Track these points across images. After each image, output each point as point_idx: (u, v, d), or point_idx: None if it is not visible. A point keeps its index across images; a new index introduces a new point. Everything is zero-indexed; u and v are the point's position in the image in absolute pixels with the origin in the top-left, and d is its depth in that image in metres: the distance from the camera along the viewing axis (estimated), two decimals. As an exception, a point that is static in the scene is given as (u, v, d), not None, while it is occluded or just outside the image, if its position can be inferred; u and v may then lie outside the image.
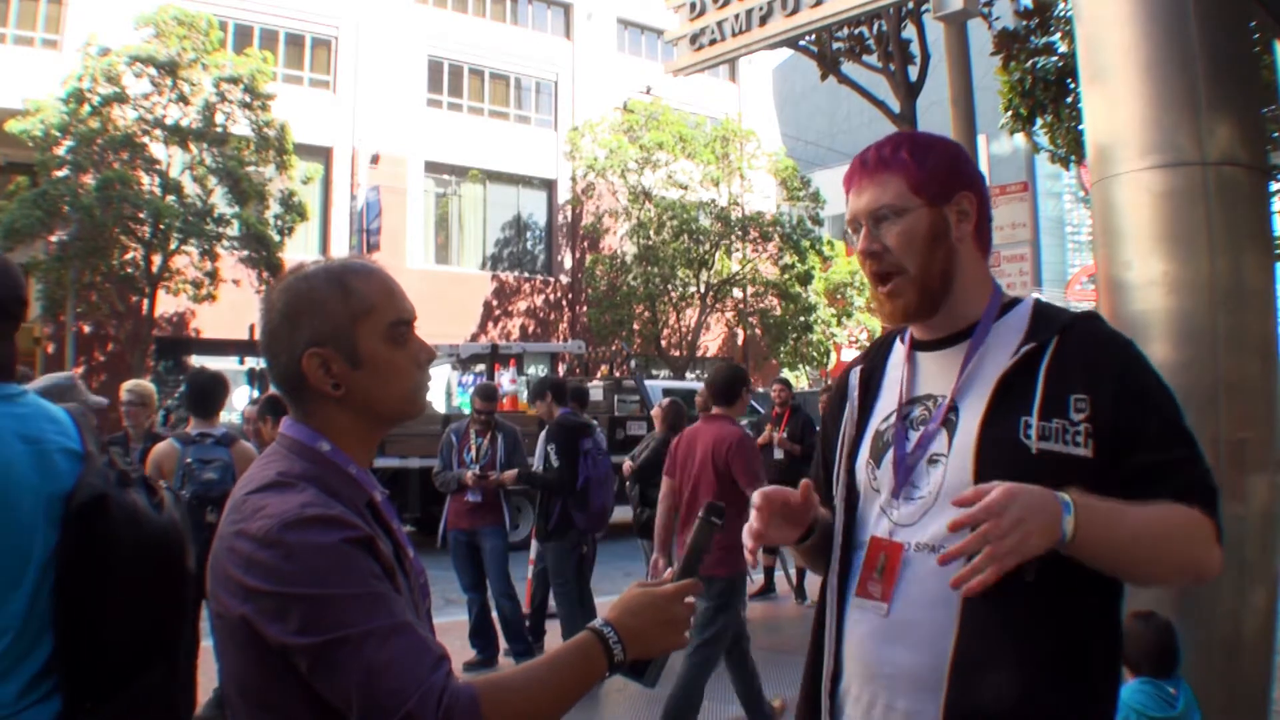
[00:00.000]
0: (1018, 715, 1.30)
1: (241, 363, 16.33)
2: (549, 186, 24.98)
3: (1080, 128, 6.31)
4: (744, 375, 5.02)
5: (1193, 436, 1.38)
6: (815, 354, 23.39)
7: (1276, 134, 7.24)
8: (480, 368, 14.21)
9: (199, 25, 16.47)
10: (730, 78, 27.79)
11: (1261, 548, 2.85)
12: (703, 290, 22.40)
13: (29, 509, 1.51)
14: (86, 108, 15.69)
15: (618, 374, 15.39)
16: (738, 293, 23.50)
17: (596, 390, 12.78)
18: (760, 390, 19.93)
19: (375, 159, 21.78)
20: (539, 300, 24.52)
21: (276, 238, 17.26)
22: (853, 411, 1.60)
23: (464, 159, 23.11)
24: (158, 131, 16.29)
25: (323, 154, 21.28)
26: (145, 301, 17.15)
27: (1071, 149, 8.04)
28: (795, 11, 6.58)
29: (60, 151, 15.59)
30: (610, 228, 23.37)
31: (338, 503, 1.19)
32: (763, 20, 6.81)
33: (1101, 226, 3.09)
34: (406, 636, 1.12)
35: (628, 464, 7.06)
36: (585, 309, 23.38)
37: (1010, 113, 7.90)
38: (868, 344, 1.73)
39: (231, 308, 16.99)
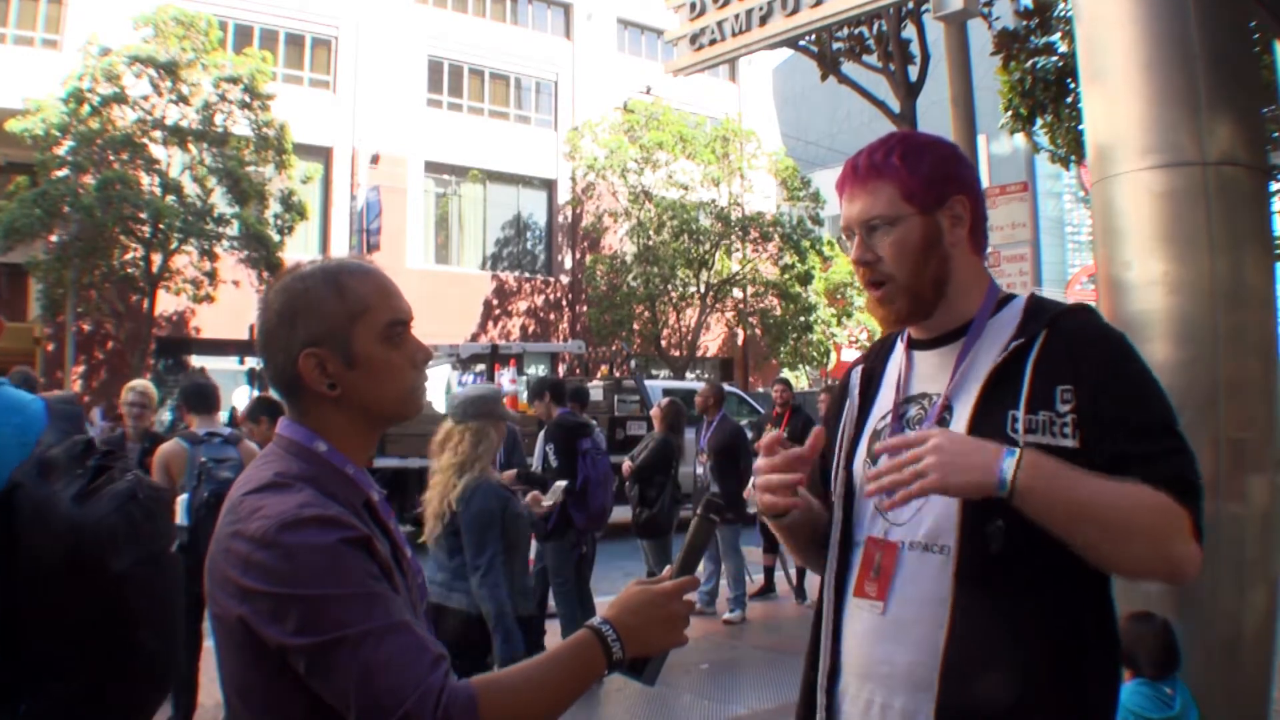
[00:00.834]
0: (1010, 713, 1.30)
1: (241, 363, 16.32)
2: (549, 186, 24.97)
3: (1080, 128, 6.31)
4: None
5: (1177, 432, 1.35)
6: (815, 354, 23.39)
7: (1276, 134, 7.24)
8: (480, 368, 14.21)
9: (199, 25, 16.47)
10: (730, 78, 27.78)
11: (1261, 548, 2.85)
12: (703, 290, 22.40)
13: None
14: (86, 108, 15.69)
15: (618, 374, 15.39)
16: (738, 293, 23.50)
17: (596, 390, 12.78)
18: (760, 390, 20.00)
19: (375, 159, 21.78)
20: (539, 300, 24.52)
21: (276, 238, 17.26)
22: (852, 410, 1.60)
23: (464, 159, 23.11)
24: (157, 132, 16.29)
25: (323, 154, 21.29)
26: (145, 301, 17.16)
27: (1071, 149, 8.04)
28: (795, 11, 6.59)
29: (60, 151, 15.59)
30: (610, 228, 23.37)
31: (335, 503, 1.19)
32: (763, 20, 6.81)
33: (1101, 226, 3.09)
34: (404, 636, 1.12)
35: (627, 464, 7.06)
36: (585, 309, 23.38)
37: (1010, 113, 7.90)
38: (868, 344, 1.74)
39: (231, 308, 16.99)
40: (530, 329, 24.07)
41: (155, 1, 16.57)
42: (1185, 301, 2.83)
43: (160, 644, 1.62)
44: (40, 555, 1.47)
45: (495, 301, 23.72)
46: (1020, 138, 9.13)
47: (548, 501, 5.10)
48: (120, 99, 15.99)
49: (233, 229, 17.05)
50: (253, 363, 15.73)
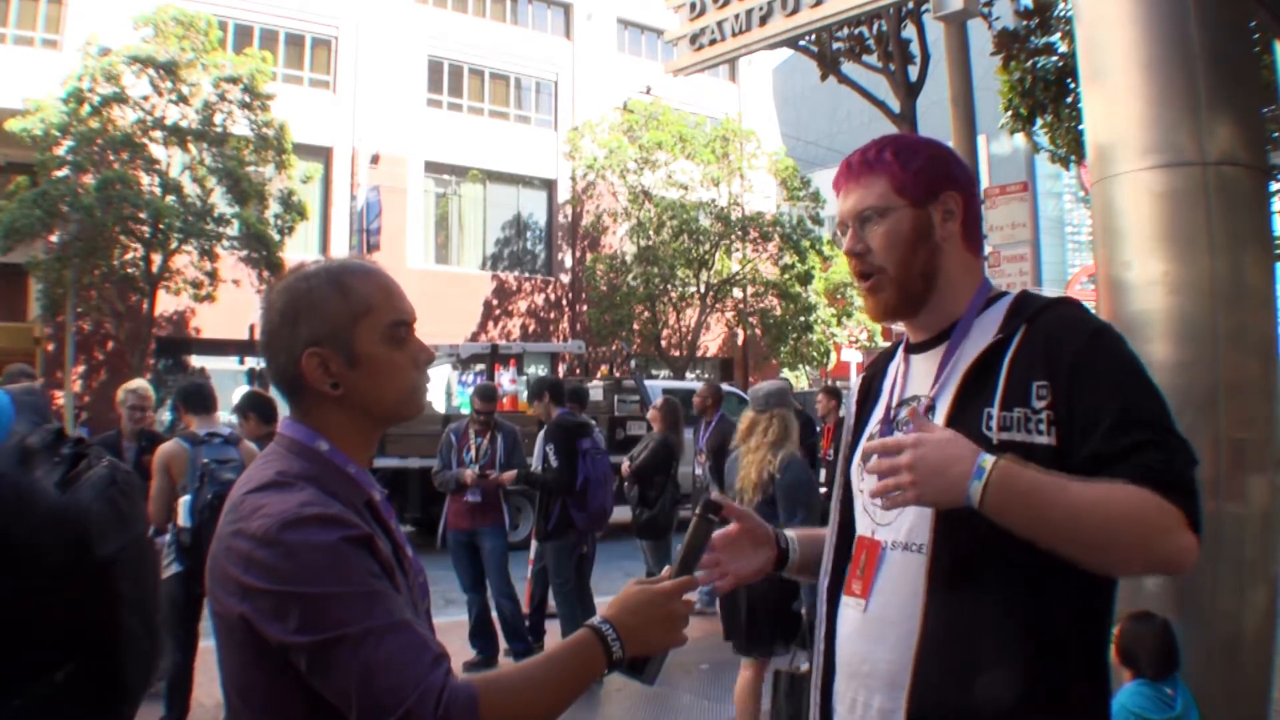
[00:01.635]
0: (982, 712, 1.29)
1: (241, 363, 16.31)
2: (549, 186, 24.97)
3: (1080, 128, 6.31)
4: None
5: (1161, 423, 1.31)
6: (815, 354, 23.38)
7: (1276, 134, 7.24)
8: (480, 368, 14.20)
9: (198, 25, 16.46)
10: (730, 78, 27.77)
11: (1261, 548, 2.85)
12: (703, 290, 22.40)
13: None
14: (86, 108, 15.67)
15: (618, 374, 15.39)
16: (738, 293, 23.49)
17: (596, 390, 12.77)
18: (760, 390, 19.95)
19: (375, 159, 21.77)
20: (539, 300, 24.52)
21: (276, 237, 17.25)
22: (850, 417, 1.66)
23: (464, 159, 23.10)
24: (157, 132, 16.27)
25: (323, 154, 21.28)
26: (145, 301, 17.15)
27: (1071, 149, 8.04)
28: (795, 11, 6.59)
29: (60, 151, 15.58)
30: (610, 227, 23.37)
31: (336, 502, 1.19)
32: (763, 20, 6.81)
33: (1101, 226, 3.09)
34: (405, 635, 1.12)
35: (626, 464, 7.06)
36: (585, 309, 23.37)
37: (1010, 113, 7.91)
38: (868, 344, 1.75)
39: (231, 308, 16.98)
40: (530, 329, 24.06)
41: (155, 1, 16.55)
42: (1185, 301, 2.83)
43: (145, 629, 1.56)
44: (27, 544, 1.42)
45: (495, 301, 23.72)
46: (1020, 138, 9.13)
47: None
48: (120, 99, 15.97)
49: (233, 229, 17.04)
50: (253, 363, 15.73)
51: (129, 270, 16.64)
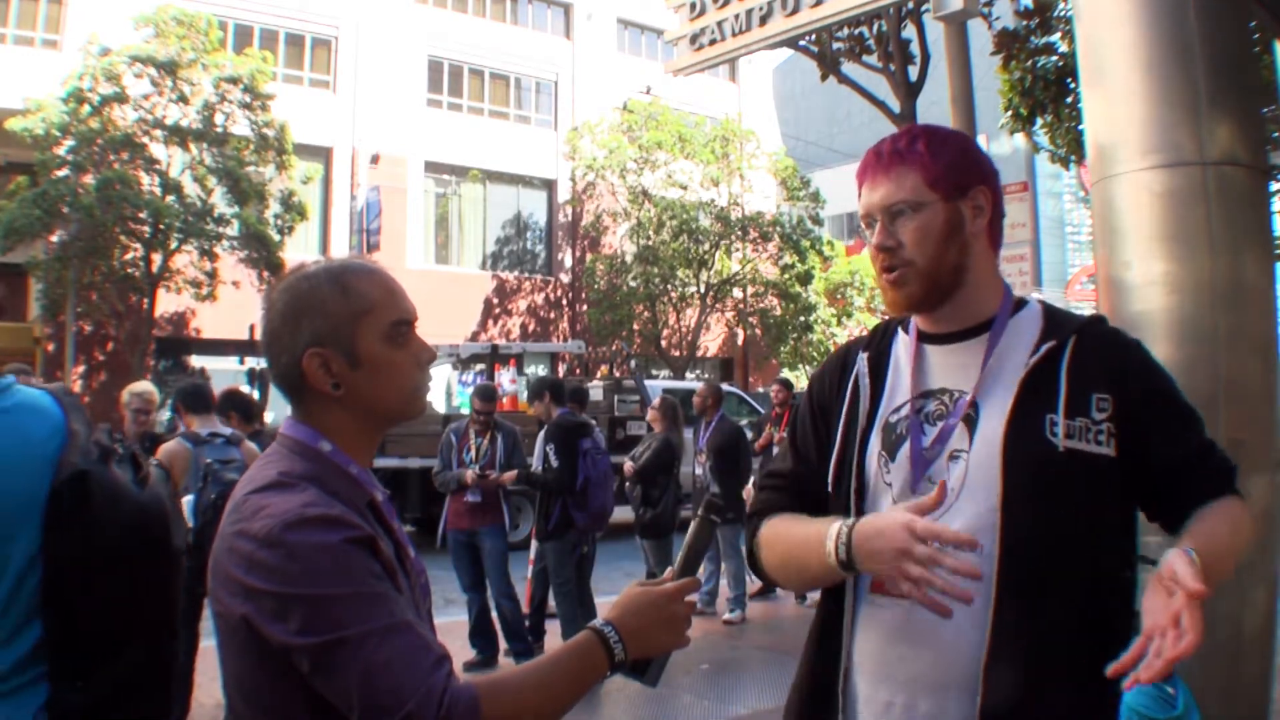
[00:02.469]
0: (1052, 714, 1.30)
1: (241, 363, 16.32)
2: (549, 186, 24.97)
3: (1080, 128, 6.31)
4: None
5: (1200, 416, 1.46)
6: (815, 354, 23.37)
7: (1276, 134, 7.24)
8: (480, 368, 14.21)
9: (199, 25, 16.47)
10: (730, 78, 27.77)
11: (1261, 548, 2.85)
12: (702, 290, 22.39)
13: (17, 497, 1.52)
14: (86, 108, 15.68)
15: (618, 374, 15.39)
16: (738, 293, 23.50)
17: (596, 390, 12.78)
18: (760, 390, 19.99)
19: (375, 159, 21.78)
20: (539, 300, 24.52)
21: (276, 238, 17.26)
22: (865, 400, 1.54)
23: (464, 159, 23.11)
24: (158, 131, 16.28)
25: (323, 154, 21.28)
26: (145, 301, 17.15)
27: (1071, 149, 8.04)
28: (795, 11, 6.58)
29: (60, 151, 15.58)
30: (610, 227, 23.37)
31: (338, 503, 1.19)
32: (763, 20, 6.81)
33: (1101, 226, 3.09)
34: (407, 636, 1.12)
35: (628, 464, 7.06)
36: (585, 309, 23.37)
37: (1010, 113, 7.90)
38: (865, 334, 1.70)
39: (231, 308, 16.99)
40: (530, 329, 24.07)
41: (155, 1, 16.56)
42: (1185, 301, 2.83)
43: (180, 626, 1.79)
44: (114, 536, 1.57)
45: (495, 301, 23.72)
46: (1020, 138, 9.12)
47: None
48: (120, 99, 15.98)
49: (233, 229, 17.04)
50: (253, 362, 15.73)
51: (129, 270, 16.65)
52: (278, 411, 14.33)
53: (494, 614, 6.06)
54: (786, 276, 22.71)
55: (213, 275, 16.90)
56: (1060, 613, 1.32)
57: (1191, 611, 1.17)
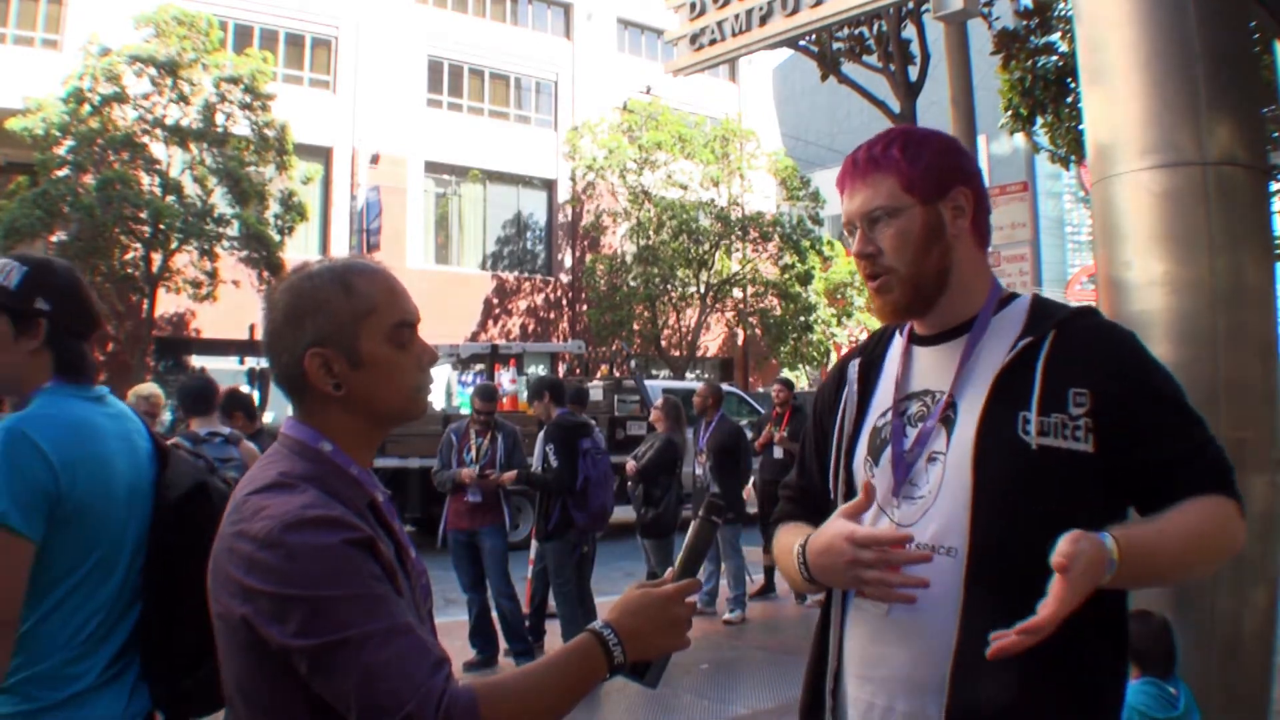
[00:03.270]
0: (1020, 714, 1.29)
1: (241, 363, 16.32)
2: (549, 186, 24.97)
3: (1080, 128, 6.31)
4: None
5: (1199, 415, 1.39)
6: (815, 354, 23.38)
7: (1276, 134, 7.24)
8: (480, 368, 14.20)
9: (199, 25, 16.46)
10: (730, 78, 27.77)
11: (1261, 548, 2.85)
12: (702, 290, 22.39)
13: (125, 501, 1.71)
14: (87, 107, 15.67)
15: (618, 374, 15.39)
16: (738, 293, 23.49)
17: (596, 390, 12.78)
18: (760, 390, 19.99)
19: (375, 159, 21.78)
20: (539, 300, 24.52)
21: (276, 238, 17.25)
22: (852, 406, 1.57)
23: (464, 159, 23.11)
24: (158, 131, 16.27)
25: (323, 154, 21.28)
26: (145, 301, 17.15)
27: (1071, 149, 8.04)
28: (795, 11, 6.58)
29: (60, 151, 15.58)
30: (610, 227, 23.37)
31: (339, 504, 1.19)
32: (763, 20, 6.81)
33: (1101, 226, 3.09)
34: (406, 639, 1.12)
35: (630, 464, 7.06)
36: (585, 309, 23.37)
37: (1010, 113, 7.90)
38: (863, 342, 1.71)
39: (231, 308, 16.99)
40: (530, 329, 24.07)
41: (155, 1, 16.56)
42: (1185, 301, 2.83)
43: None
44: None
45: (495, 301, 23.72)
46: (1020, 138, 9.13)
47: None
48: (120, 99, 15.97)
49: (233, 229, 17.04)
50: (253, 363, 15.73)
51: (129, 270, 16.64)
52: (278, 411, 14.34)
53: (494, 614, 6.07)
54: (786, 276, 22.70)
55: (213, 275, 16.89)
56: (1031, 613, 1.29)
57: (1057, 591, 1.18)
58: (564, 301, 24.81)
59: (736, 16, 6.99)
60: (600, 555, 6.68)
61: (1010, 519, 1.31)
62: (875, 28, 9.68)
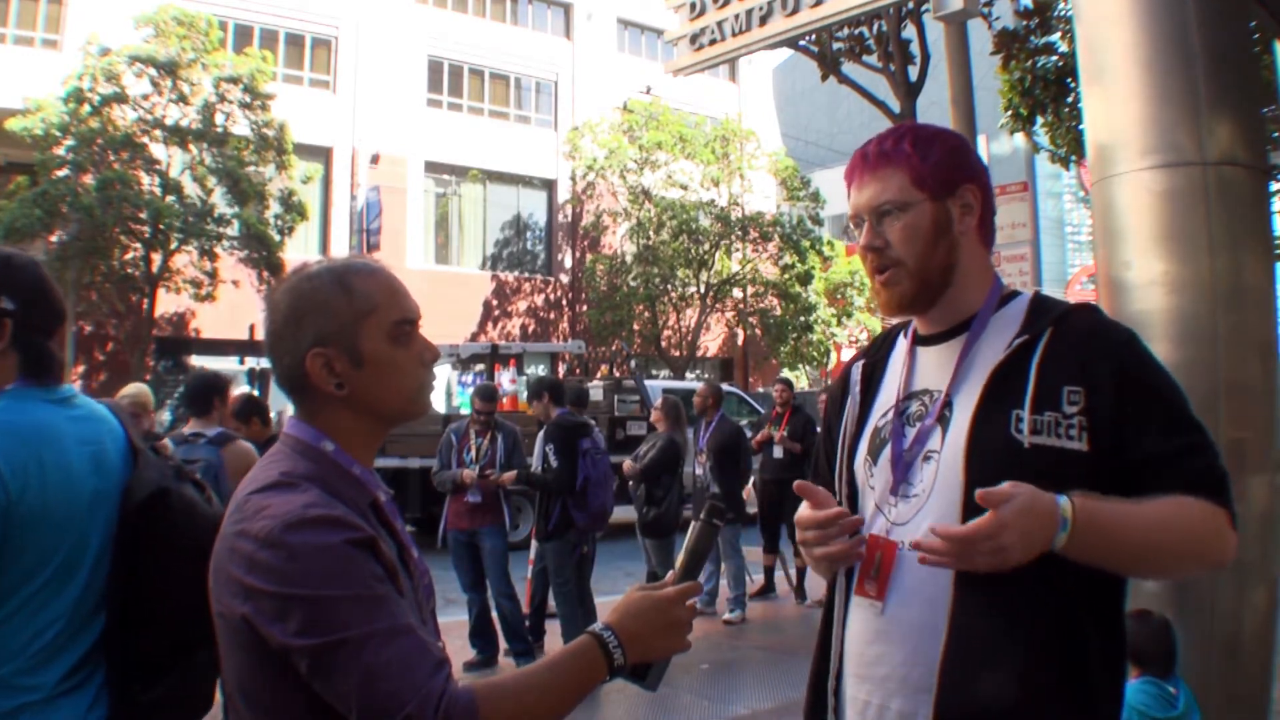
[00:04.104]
0: (1010, 713, 1.28)
1: (241, 363, 16.33)
2: (549, 186, 24.97)
3: (1080, 128, 6.31)
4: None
5: (1198, 422, 1.36)
6: (815, 354, 23.38)
7: (1276, 134, 7.24)
8: (480, 368, 14.21)
9: (199, 25, 16.46)
10: (730, 78, 27.77)
11: (1261, 548, 2.85)
12: (703, 290, 22.39)
13: (86, 508, 1.65)
14: (86, 107, 15.67)
15: (618, 374, 15.39)
16: (738, 293, 23.48)
17: (596, 390, 12.78)
18: (760, 390, 20.00)
19: (375, 159, 21.77)
20: (539, 300, 24.52)
21: (276, 238, 17.25)
22: (854, 407, 1.58)
23: (464, 159, 23.10)
24: (158, 131, 16.27)
25: (323, 154, 21.28)
26: (145, 301, 17.15)
27: (1071, 149, 8.04)
28: (795, 11, 6.58)
29: (60, 151, 15.57)
30: (610, 227, 23.37)
31: (340, 503, 1.19)
32: (763, 20, 6.81)
33: (1101, 226, 3.09)
34: (407, 639, 1.12)
35: (628, 464, 7.06)
36: (585, 309, 23.37)
37: (1010, 113, 7.90)
38: (868, 344, 1.72)
39: (231, 308, 16.99)
40: (530, 329, 24.06)
41: (155, 1, 16.56)
42: (1185, 301, 2.83)
43: None
44: (190, 547, 1.65)
45: (495, 301, 23.72)
46: (1020, 138, 9.13)
47: None
48: (120, 99, 15.97)
49: (233, 229, 17.04)
50: (253, 363, 15.74)
51: (129, 270, 16.64)
52: (278, 412, 14.32)
53: (494, 614, 6.07)
54: (786, 276, 22.70)
55: (213, 275, 16.89)
56: (1023, 613, 1.30)
57: (984, 519, 1.20)
58: (564, 302, 24.81)
59: (736, 16, 6.99)
60: (600, 555, 6.68)
61: None
62: (875, 28, 9.68)
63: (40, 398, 1.67)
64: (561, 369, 22.12)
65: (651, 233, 21.86)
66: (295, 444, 1.28)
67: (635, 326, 22.04)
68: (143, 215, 15.91)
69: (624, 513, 7.87)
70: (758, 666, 6.13)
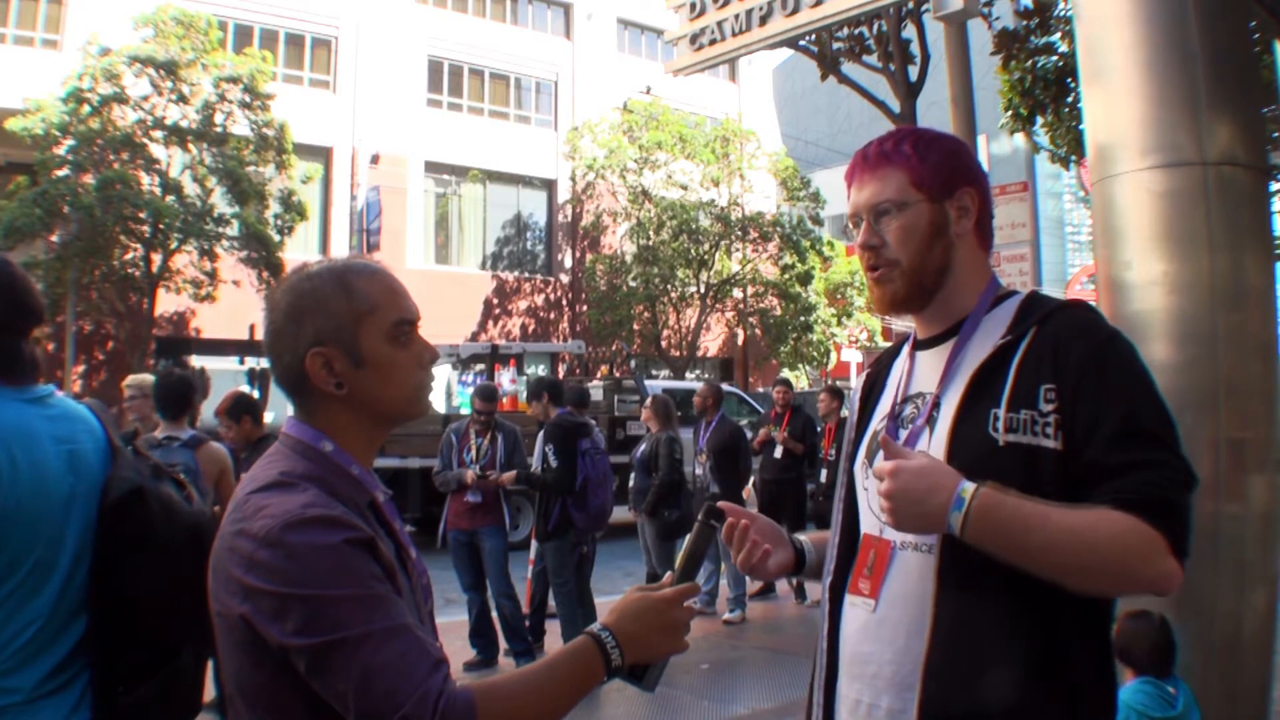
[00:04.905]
0: (993, 713, 1.29)
1: (241, 363, 16.32)
2: (549, 186, 24.98)
3: (1080, 128, 6.31)
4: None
5: (1162, 439, 1.29)
6: (815, 354, 23.39)
7: (1276, 134, 7.24)
8: (480, 368, 14.21)
9: (199, 25, 16.46)
10: (730, 78, 27.77)
11: (1261, 548, 2.85)
12: (702, 290, 22.40)
13: (62, 507, 1.63)
14: (86, 108, 15.68)
15: (618, 374, 15.38)
16: (738, 293, 23.50)
17: (596, 390, 12.78)
18: (760, 390, 19.99)
19: (375, 159, 21.77)
20: (539, 300, 24.52)
21: (276, 238, 17.26)
22: (853, 415, 1.64)
23: (464, 159, 23.10)
24: (158, 132, 16.28)
25: (323, 154, 21.27)
26: (145, 301, 17.15)
27: (1071, 149, 8.04)
28: (795, 11, 6.58)
29: (60, 151, 15.58)
30: (610, 227, 23.37)
31: (339, 503, 1.20)
32: (763, 20, 6.80)
33: (1101, 226, 3.09)
34: (405, 639, 1.12)
35: (633, 479, 7.03)
36: (585, 309, 23.37)
37: (1010, 113, 7.90)
38: (868, 344, 1.75)
39: (231, 308, 16.99)
40: (530, 329, 24.07)
41: (155, 1, 16.56)
42: (1185, 301, 2.83)
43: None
44: (169, 546, 1.68)
45: (495, 301, 23.72)
46: (1020, 138, 9.13)
47: None
48: (120, 99, 15.97)
49: (233, 229, 17.04)
50: (253, 363, 15.73)
51: (129, 270, 16.65)
52: (278, 412, 14.33)
53: (494, 614, 6.07)
54: (786, 277, 22.70)
55: (213, 275, 16.90)
56: (1003, 611, 1.30)
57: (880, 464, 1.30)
58: (564, 302, 24.81)
59: (736, 16, 6.99)
60: (600, 555, 6.68)
61: None
62: (875, 28, 9.68)
63: (13, 397, 1.65)
64: (561, 369, 22.12)
65: (651, 233, 21.86)
66: (294, 444, 1.28)
67: (635, 326, 22.04)
68: (143, 215, 15.91)
69: (624, 513, 7.87)
70: (758, 666, 6.13)
